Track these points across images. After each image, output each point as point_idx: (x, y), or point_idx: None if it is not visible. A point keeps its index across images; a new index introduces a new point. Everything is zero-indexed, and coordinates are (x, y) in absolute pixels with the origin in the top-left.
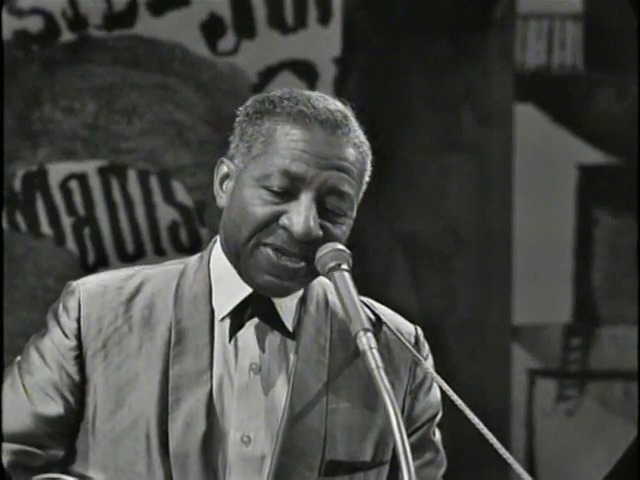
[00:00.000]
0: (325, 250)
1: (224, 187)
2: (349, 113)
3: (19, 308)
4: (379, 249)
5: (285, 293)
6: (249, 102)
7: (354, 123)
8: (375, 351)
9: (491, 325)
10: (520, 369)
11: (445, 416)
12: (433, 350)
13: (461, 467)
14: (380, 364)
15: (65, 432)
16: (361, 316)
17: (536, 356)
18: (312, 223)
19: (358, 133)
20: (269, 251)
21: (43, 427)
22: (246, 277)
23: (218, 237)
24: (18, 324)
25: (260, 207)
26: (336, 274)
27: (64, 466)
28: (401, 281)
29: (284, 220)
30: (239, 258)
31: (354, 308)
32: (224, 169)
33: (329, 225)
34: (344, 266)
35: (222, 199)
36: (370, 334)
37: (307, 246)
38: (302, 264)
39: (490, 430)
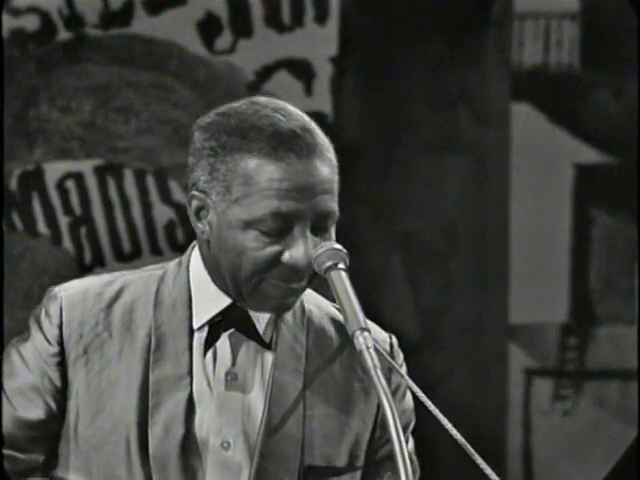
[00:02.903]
0: (322, 249)
1: (202, 219)
2: (312, 124)
3: (15, 307)
4: (376, 248)
5: (289, 309)
6: (207, 133)
7: (318, 133)
8: (372, 351)
9: (488, 324)
10: (517, 368)
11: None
12: (430, 349)
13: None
14: (377, 364)
15: (46, 436)
16: (358, 316)
17: (533, 355)
18: (311, 252)
19: (324, 142)
20: (276, 282)
21: (24, 431)
22: (251, 305)
23: (197, 245)
24: (14, 323)
25: (259, 251)
26: (333, 273)
27: (45, 470)
28: (398, 280)
29: (285, 257)
30: (240, 292)
31: (351, 308)
32: (197, 203)
33: (321, 239)
34: (341, 265)
35: (204, 233)
36: (367, 334)
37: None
38: (305, 281)
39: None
